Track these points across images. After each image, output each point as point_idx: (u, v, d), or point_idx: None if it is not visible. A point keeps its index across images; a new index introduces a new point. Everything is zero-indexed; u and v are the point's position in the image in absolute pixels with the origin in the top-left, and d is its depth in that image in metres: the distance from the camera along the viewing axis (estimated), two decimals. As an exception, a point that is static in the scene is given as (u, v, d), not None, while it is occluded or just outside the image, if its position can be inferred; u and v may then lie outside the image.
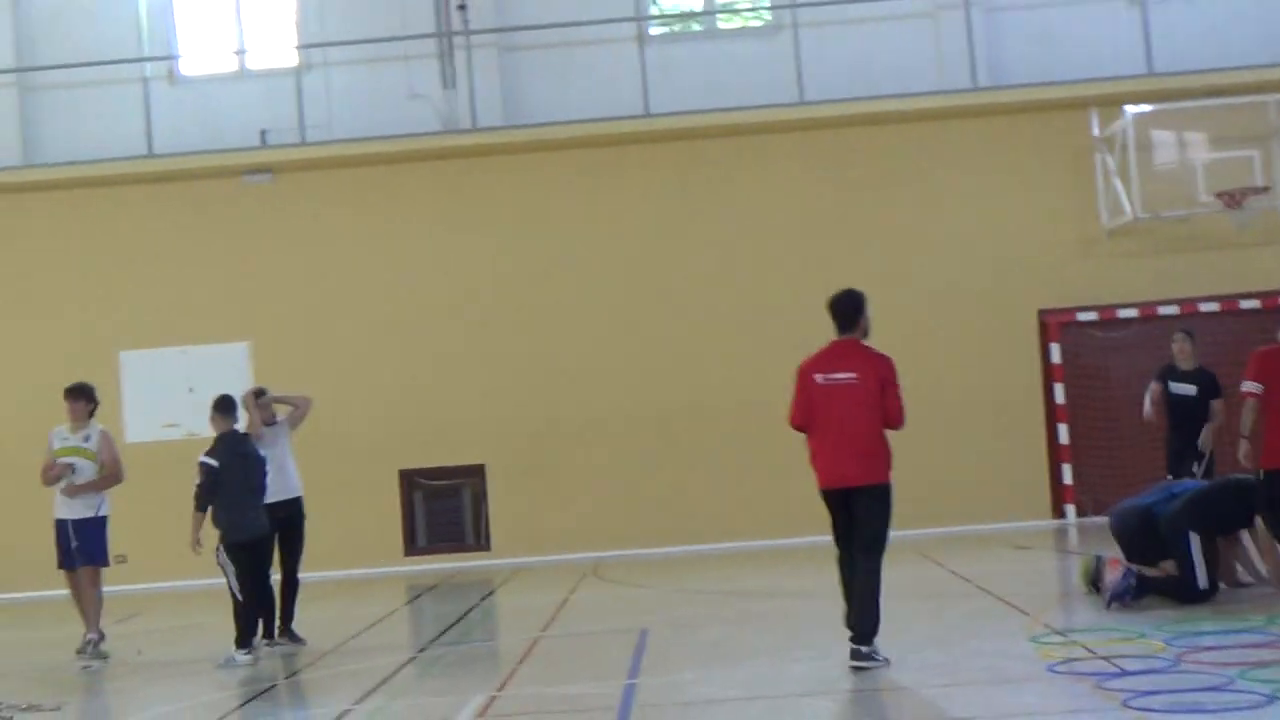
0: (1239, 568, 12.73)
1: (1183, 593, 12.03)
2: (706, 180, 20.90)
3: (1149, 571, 12.36)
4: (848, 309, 10.48)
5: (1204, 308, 20.20)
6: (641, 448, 20.57)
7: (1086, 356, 20.49)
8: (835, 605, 10.56)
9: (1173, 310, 20.17)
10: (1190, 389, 15.13)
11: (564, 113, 20.93)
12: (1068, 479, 20.25)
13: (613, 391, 20.64)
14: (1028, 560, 17.00)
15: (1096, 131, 20.25)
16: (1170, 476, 14.68)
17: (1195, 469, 15.07)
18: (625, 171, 20.93)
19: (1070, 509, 20.27)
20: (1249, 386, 12.18)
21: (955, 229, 20.67)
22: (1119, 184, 19.66)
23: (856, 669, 10.07)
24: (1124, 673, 9.31)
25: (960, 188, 20.73)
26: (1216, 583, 12.16)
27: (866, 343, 10.46)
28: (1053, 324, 20.44)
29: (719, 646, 11.83)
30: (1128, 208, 19.44)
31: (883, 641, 10.28)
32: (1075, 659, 9.85)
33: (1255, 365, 12.27)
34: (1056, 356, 20.40)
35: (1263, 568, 12.56)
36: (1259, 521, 12.17)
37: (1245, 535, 12.60)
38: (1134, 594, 12.15)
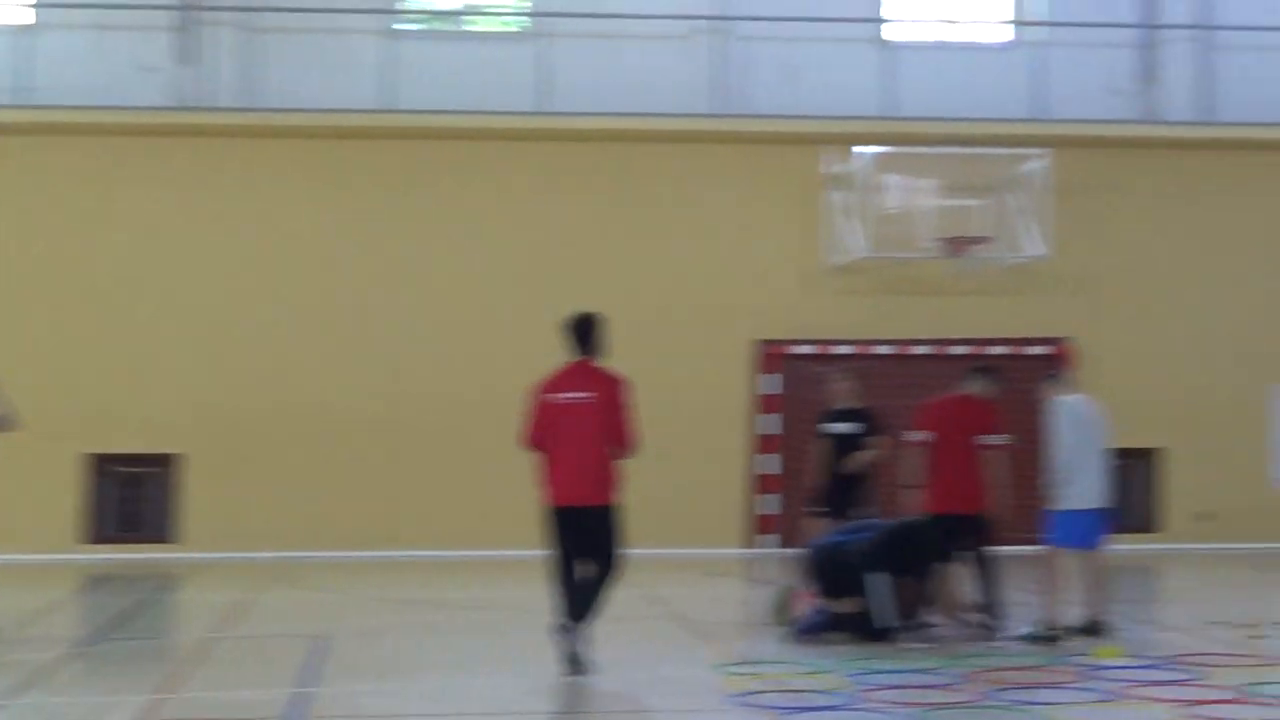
0: (936, 604, 12.81)
1: (867, 630, 12.04)
2: (442, 182, 20.48)
3: (838, 606, 12.36)
4: (582, 330, 10.81)
5: (916, 350, 20.52)
6: (348, 448, 20.00)
7: (800, 389, 20.62)
8: (530, 620, 10.29)
9: (887, 350, 20.48)
10: (850, 427, 14.65)
11: (304, 101, 20.26)
12: (767, 509, 20.33)
13: (324, 389, 20.04)
14: (721, 587, 16.99)
15: (830, 169, 20.45)
16: (827, 512, 14.37)
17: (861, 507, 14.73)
18: (361, 166, 20.35)
19: (766, 539, 20.37)
20: (917, 436, 12.54)
21: (683, 253, 20.64)
22: (847, 222, 19.85)
23: (561, 641, 10.44)
24: (803, 708, 9.21)
25: (694, 213, 20.70)
26: (900, 622, 12.18)
27: (599, 364, 10.76)
28: (768, 355, 20.54)
29: (402, 658, 11.45)
30: (854, 246, 19.64)
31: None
32: (758, 690, 9.72)
33: (923, 416, 12.75)
34: (769, 387, 20.50)
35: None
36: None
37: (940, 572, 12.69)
38: (822, 628, 12.14)
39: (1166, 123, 21.18)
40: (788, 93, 20.97)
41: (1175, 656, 11.04)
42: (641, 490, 19.98)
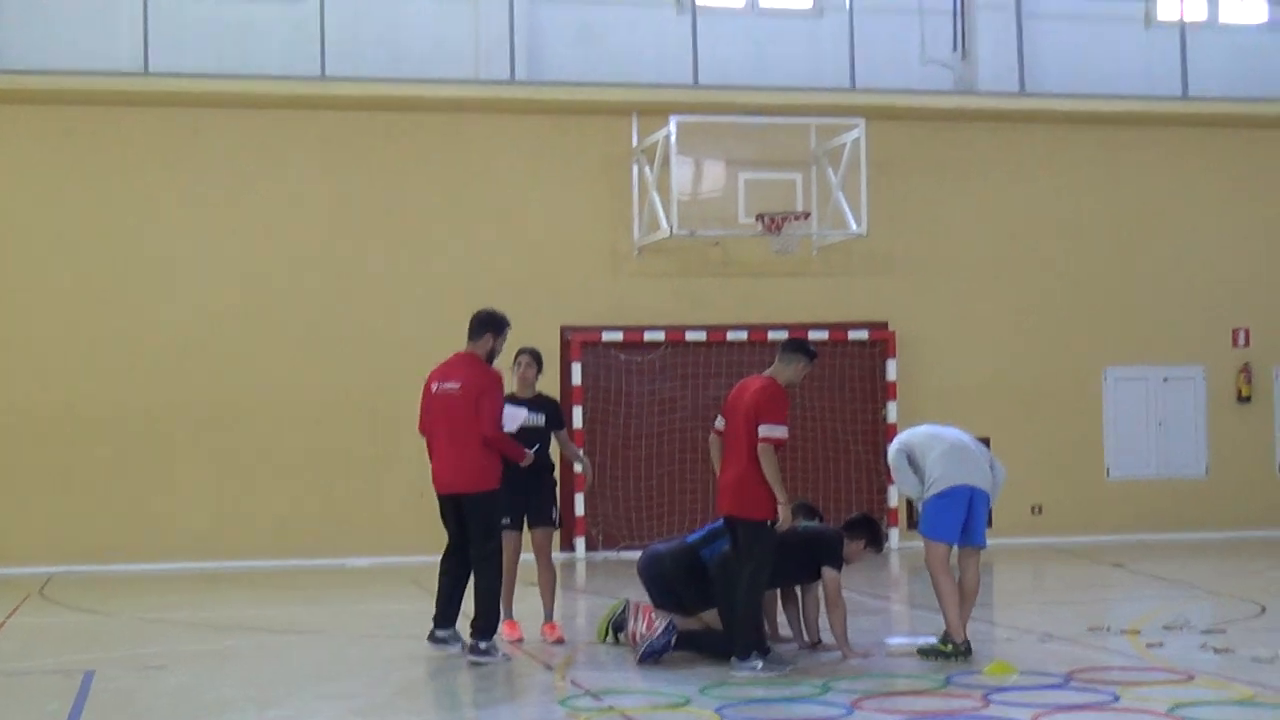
0: (780, 620, 11.46)
1: (717, 649, 10.60)
2: (209, 153, 18.49)
3: (687, 622, 10.93)
4: (474, 323, 11.26)
5: (732, 336, 19.22)
6: (116, 450, 17.92)
7: (608, 379, 19.20)
8: (329, 645, 8.64)
9: (700, 336, 19.14)
10: (539, 418, 12.02)
11: (48, 61, 18.03)
12: (579, 510, 18.84)
13: (89, 385, 17.92)
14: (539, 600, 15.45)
15: (635, 141, 19.01)
16: (507, 521, 11.46)
17: (554, 514, 12.00)
18: (115, 137, 18.26)
19: (580, 543, 18.89)
20: (775, 431, 10.17)
21: (481, 232, 19.03)
22: (656, 198, 18.42)
23: (474, 664, 10.56)
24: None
25: (489, 187, 19.09)
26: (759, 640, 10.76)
27: (479, 357, 11.13)
28: (575, 342, 19.04)
29: (184, 696, 9.65)
30: (664, 223, 18.20)
31: (388, 702, 8.38)
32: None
33: (783, 405, 10.34)
34: (578, 377, 19.00)
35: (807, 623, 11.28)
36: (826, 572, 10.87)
37: (799, 588, 11.31)
38: (667, 648, 10.71)
39: (980, 94, 20.20)
40: (588, 58, 19.48)
41: (1075, 672, 9.83)
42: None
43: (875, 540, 11.38)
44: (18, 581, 16.43)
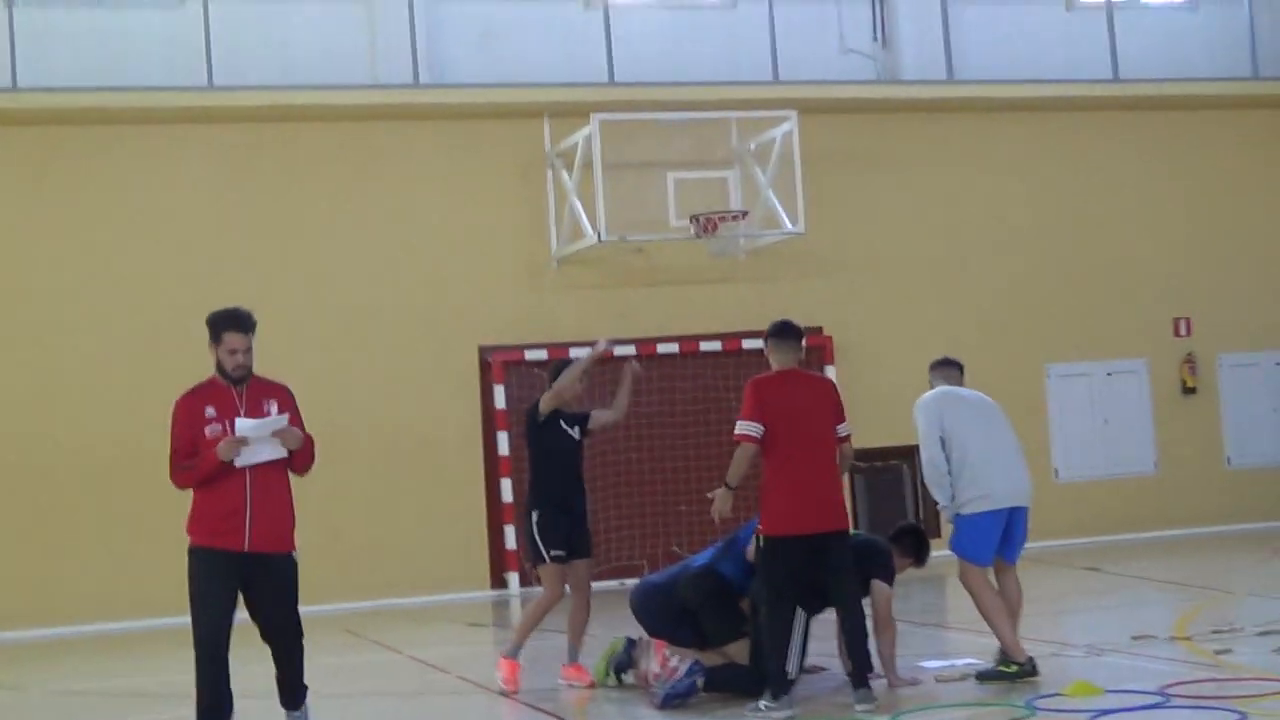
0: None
1: (753, 685, 9.33)
2: (83, 169, 16.80)
3: (709, 658, 9.68)
4: None
5: (663, 349, 17.99)
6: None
7: (532, 402, 17.78)
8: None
9: (629, 350, 17.80)
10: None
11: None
12: (510, 543, 17.46)
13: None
14: (498, 641, 14.10)
15: (549, 145, 17.73)
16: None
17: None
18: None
19: (513, 577, 17.50)
20: (747, 428, 9.19)
21: (387, 247, 17.60)
22: (578, 204, 17.15)
23: None
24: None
25: (393, 200, 17.66)
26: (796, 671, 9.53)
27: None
28: (496, 363, 17.67)
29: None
30: (589, 230, 16.92)
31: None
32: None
33: (757, 398, 9.27)
34: (501, 401, 17.63)
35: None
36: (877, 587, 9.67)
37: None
38: (694, 690, 9.45)
39: (907, 83, 19.27)
40: (493, 60, 18.18)
41: (1167, 688, 8.74)
42: (360, 531, 17.18)
43: (922, 555, 10.22)
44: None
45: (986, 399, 10.18)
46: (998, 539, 9.71)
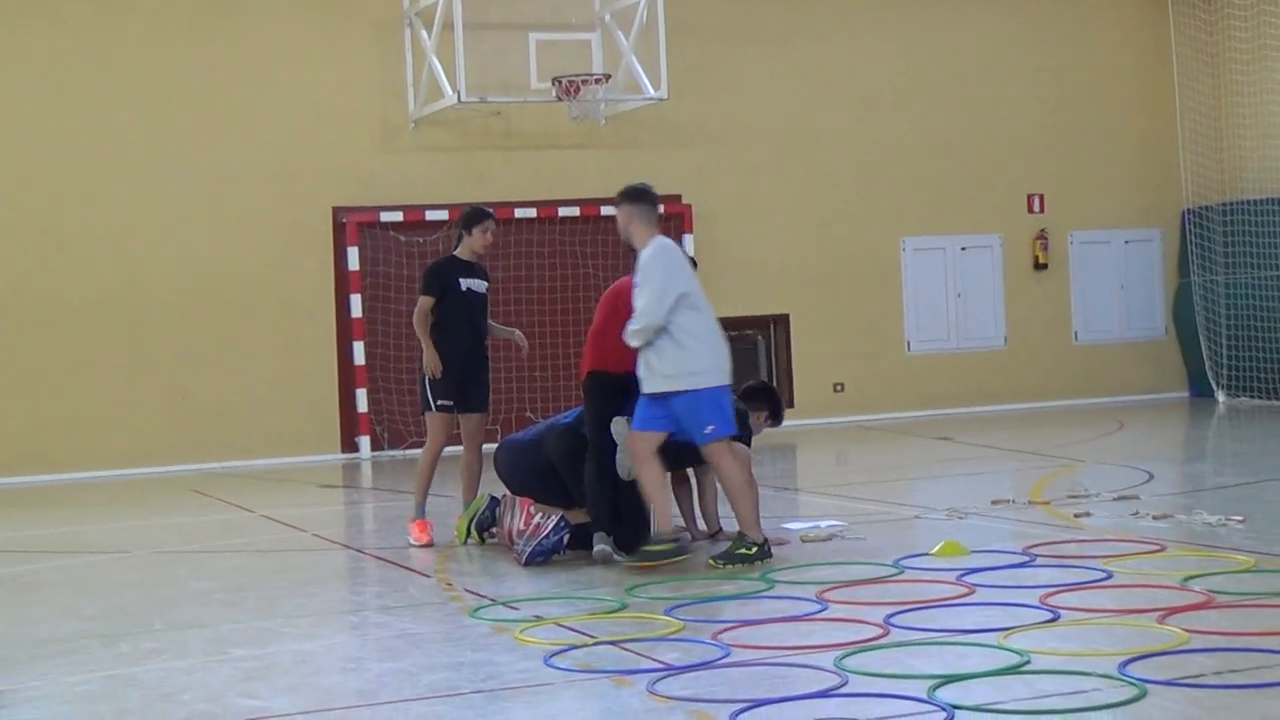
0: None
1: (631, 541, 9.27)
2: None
3: (575, 516, 9.60)
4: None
5: (520, 213, 17.75)
6: None
7: (387, 264, 17.53)
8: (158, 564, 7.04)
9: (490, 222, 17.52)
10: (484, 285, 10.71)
11: None
12: (362, 406, 17.23)
13: None
14: (352, 502, 13.99)
15: (407, 2, 17.27)
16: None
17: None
18: None
19: (364, 441, 17.28)
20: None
21: (241, 105, 17.13)
22: (437, 64, 16.75)
23: None
24: (670, 668, 6.40)
25: (245, 59, 17.18)
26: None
27: None
28: (351, 224, 17.31)
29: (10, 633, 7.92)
30: (448, 90, 16.55)
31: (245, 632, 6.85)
32: (566, 645, 6.86)
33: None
34: (354, 262, 17.30)
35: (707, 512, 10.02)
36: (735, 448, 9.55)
37: (692, 474, 10.04)
38: (560, 547, 9.38)
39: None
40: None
41: (1030, 548, 8.84)
42: (211, 394, 16.85)
43: (777, 411, 10.15)
44: None
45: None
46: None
